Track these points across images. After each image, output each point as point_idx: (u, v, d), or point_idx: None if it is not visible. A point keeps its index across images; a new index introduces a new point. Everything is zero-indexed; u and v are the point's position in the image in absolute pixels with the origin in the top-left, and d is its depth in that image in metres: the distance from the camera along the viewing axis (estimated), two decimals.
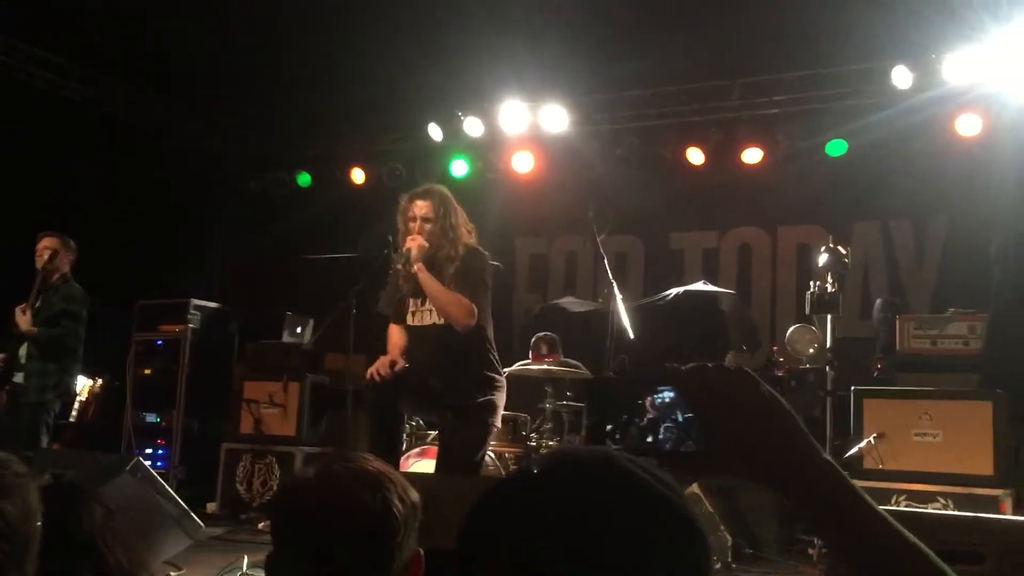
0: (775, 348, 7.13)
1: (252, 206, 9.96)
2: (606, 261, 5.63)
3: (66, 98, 8.54)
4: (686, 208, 8.66)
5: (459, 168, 9.07)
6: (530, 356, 6.47)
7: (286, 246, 9.38)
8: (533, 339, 6.65)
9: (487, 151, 9.03)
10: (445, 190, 4.78)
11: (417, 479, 2.92)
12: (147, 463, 4.30)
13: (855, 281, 7.76)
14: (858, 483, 0.96)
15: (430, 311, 4.67)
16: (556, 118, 8.46)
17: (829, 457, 0.97)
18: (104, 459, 4.48)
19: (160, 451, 8.12)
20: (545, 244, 9.31)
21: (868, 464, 5.48)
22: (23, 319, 6.28)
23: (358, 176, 9.50)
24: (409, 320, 4.75)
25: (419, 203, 4.66)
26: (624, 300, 5.51)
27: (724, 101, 8.24)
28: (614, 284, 5.47)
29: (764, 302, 8.40)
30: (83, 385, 7.74)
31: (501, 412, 4.83)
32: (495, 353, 4.79)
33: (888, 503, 5.09)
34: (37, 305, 6.38)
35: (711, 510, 5.46)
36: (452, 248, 4.63)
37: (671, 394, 1.02)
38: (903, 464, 5.41)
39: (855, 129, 7.69)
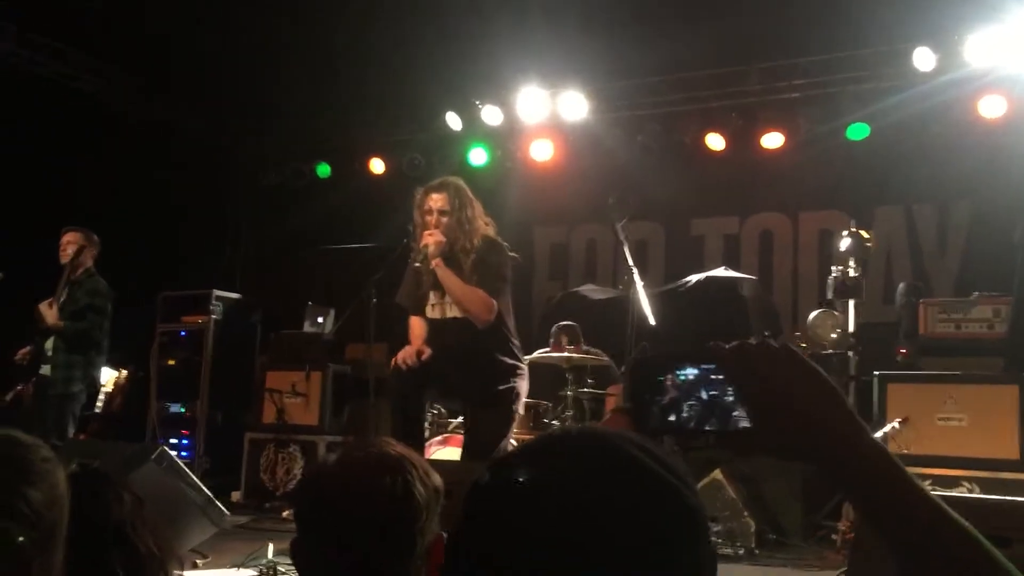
0: (797, 333, 7.09)
1: (272, 198, 10.01)
2: (627, 248, 5.61)
3: (84, 92, 8.59)
4: (707, 194, 8.60)
5: (478, 157, 9.05)
6: (550, 346, 6.45)
7: (306, 237, 9.41)
8: (553, 329, 6.61)
9: (506, 140, 9.00)
10: (460, 182, 4.77)
11: (441, 465, 2.93)
12: (172, 453, 4.34)
13: (878, 266, 7.69)
14: None
15: (450, 305, 4.68)
16: (575, 105, 8.41)
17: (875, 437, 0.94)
18: (129, 449, 4.51)
19: (184, 441, 8.20)
20: (565, 233, 9.27)
21: (892, 449, 5.30)
22: (49, 313, 6.38)
23: (377, 166, 9.50)
24: (429, 313, 4.75)
25: (434, 196, 4.65)
26: (645, 287, 5.50)
27: (744, 86, 8.15)
28: (635, 271, 5.46)
29: (786, 288, 8.33)
30: (108, 376, 7.80)
31: (524, 399, 4.85)
32: (516, 341, 4.80)
33: None
34: (62, 299, 6.47)
35: (734, 496, 5.44)
36: (468, 240, 4.63)
37: (694, 371, 1.00)
38: (927, 448, 5.39)
39: (876, 112, 7.60)
